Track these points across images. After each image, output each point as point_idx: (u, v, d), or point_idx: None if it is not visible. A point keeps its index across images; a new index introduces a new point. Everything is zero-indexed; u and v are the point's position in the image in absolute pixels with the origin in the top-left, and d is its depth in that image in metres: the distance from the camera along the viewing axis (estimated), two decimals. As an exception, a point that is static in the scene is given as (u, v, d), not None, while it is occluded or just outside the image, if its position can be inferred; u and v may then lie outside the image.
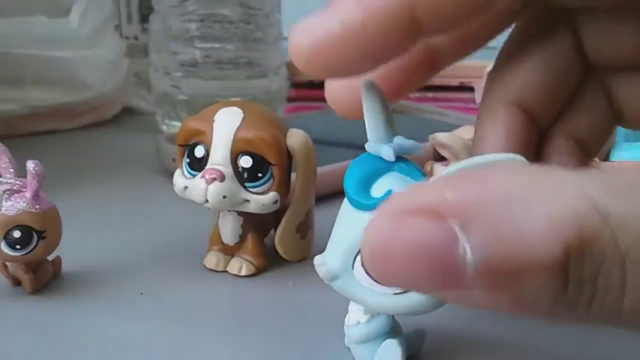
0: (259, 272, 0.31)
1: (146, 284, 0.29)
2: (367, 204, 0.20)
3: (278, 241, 0.30)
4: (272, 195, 0.29)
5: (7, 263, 0.28)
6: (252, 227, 0.31)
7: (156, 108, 0.54)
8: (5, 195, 0.26)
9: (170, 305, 0.28)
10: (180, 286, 0.30)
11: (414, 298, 0.20)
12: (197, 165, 0.29)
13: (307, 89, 0.61)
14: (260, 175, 0.29)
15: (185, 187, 0.29)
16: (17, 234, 0.26)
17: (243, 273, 0.30)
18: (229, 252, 0.31)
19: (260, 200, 0.29)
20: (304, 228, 0.31)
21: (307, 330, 0.26)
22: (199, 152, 0.29)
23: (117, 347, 0.25)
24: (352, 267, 0.21)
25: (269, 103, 0.53)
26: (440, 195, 0.13)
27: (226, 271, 0.31)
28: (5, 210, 0.26)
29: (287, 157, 0.29)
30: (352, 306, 0.23)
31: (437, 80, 0.62)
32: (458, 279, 0.13)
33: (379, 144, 0.20)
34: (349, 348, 0.24)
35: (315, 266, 0.22)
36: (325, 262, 0.21)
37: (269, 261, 0.31)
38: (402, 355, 0.22)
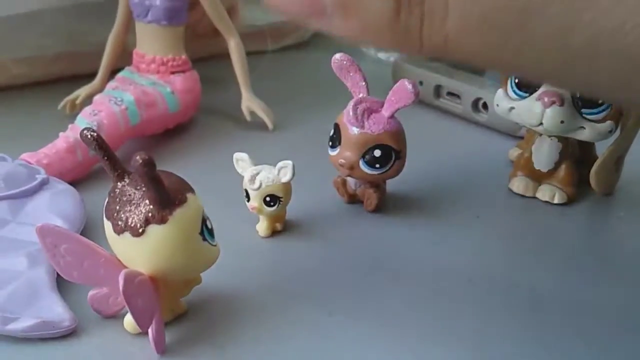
0: (569, 201, 0.31)
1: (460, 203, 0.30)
2: None
3: (595, 172, 0.30)
4: (608, 124, 0.29)
5: (348, 180, 0.29)
6: (569, 155, 0.31)
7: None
8: (365, 114, 0.27)
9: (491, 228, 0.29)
10: (492, 209, 0.30)
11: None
12: (527, 85, 0.29)
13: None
14: (600, 102, 0.28)
15: (511, 109, 0.29)
16: (377, 152, 0.27)
17: (556, 201, 0.31)
18: (538, 178, 0.31)
19: (597, 128, 0.29)
20: (621, 162, 0.31)
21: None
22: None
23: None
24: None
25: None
26: None
27: (535, 197, 0.31)
28: (368, 129, 0.27)
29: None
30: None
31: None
32: (320, 8, 0.15)
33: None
34: None
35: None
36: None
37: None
38: None
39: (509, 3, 0.13)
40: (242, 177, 0.27)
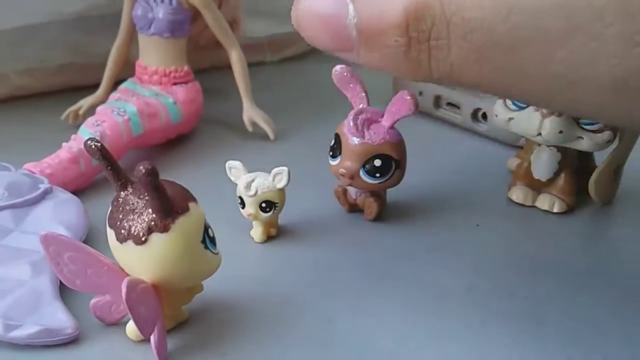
0: (569, 210, 0.31)
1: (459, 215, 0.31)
2: None
3: (594, 181, 0.31)
4: (606, 134, 0.29)
5: (349, 189, 0.29)
6: (568, 164, 0.31)
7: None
8: (366, 125, 0.27)
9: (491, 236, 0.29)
10: (491, 218, 0.31)
11: None
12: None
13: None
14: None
15: (510, 119, 0.30)
16: (377, 162, 0.27)
17: (556, 210, 0.31)
18: (537, 187, 0.32)
19: (595, 138, 0.29)
20: (620, 171, 0.31)
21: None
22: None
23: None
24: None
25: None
26: None
27: (534, 206, 0.31)
28: (369, 139, 0.27)
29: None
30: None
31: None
32: (348, 41, 0.17)
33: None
34: None
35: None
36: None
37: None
38: None
39: (496, 41, 0.16)
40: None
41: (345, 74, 0.28)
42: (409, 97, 0.26)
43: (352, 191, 0.30)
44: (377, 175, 0.28)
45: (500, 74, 0.16)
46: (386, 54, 0.17)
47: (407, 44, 0.17)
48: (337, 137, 0.28)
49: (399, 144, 0.28)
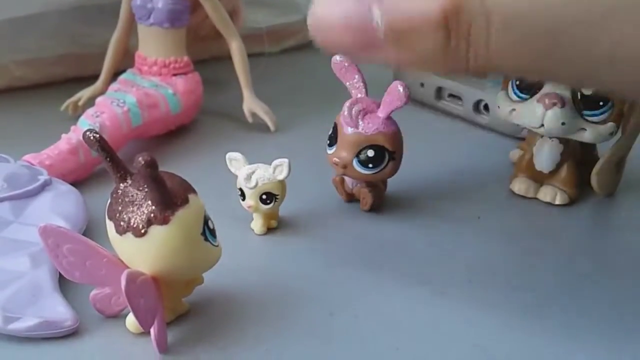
0: (571, 202, 0.31)
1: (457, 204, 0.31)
2: None
3: (596, 173, 0.30)
4: (609, 125, 0.29)
5: (346, 179, 0.29)
6: (570, 156, 0.31)
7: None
8: (360, 115, 0.27)
9: (490, 228, 0.29)
10: (493, 210, 0.30)
11: None
12: (528, 87, 0.29)
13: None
14: (601, 104, 0.28)
15: (512, 110, 0.30)
16: (370, 153, 0.27)
17: (558, 202, 0.31)
18: (539, 179, 0.31)
19: (598, 129, 0.29)
20: (623, 163, 0.31)
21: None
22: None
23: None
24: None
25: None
26: None
27: (536, 198, 0.31)
28: (362, 129, 0.27)
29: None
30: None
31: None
32: (374, 40, 0.17)
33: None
34: None
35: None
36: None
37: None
38: None
39: (540, 29, 0.16)
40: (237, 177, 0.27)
41: (345, 63, 0.28)
42: (401, 88, 0.26)
43: (349, 181, 0.29)
44: (370, 165, 0.27)
45: (541, 61, 0.17)
46: (421, 52, 0.17)
47: (446, 37, 0.17)
48: (335, 127, 0.28)
49: (394, 135, 0.28)
